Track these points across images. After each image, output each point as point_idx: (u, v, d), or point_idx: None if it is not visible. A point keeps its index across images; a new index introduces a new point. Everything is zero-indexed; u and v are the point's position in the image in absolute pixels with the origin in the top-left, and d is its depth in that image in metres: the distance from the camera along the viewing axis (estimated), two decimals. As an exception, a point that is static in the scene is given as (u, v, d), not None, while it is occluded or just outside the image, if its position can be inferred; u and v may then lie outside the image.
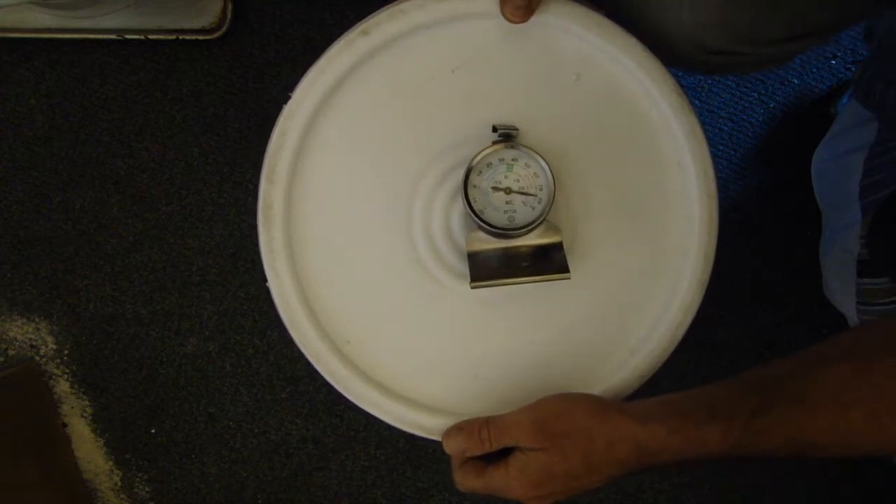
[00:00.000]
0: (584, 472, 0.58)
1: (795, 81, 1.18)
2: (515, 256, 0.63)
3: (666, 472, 1.25)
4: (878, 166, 0.76)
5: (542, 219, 0.61)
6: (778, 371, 0.57)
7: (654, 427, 0.57)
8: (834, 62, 1.18)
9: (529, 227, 0.61)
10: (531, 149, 0.61)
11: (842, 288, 0.89)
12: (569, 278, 0.61)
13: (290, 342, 0.66)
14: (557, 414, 0.59)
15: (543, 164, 0.61)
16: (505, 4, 0.61)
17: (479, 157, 0.61)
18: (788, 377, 0.56)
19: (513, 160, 0.61)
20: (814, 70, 1.18)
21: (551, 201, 0.61)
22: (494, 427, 0.61)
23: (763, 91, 1.19)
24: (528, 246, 0.63)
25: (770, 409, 0.54)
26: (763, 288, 1.22)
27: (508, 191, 0.62)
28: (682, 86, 0.64)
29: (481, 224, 0.61)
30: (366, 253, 0.67)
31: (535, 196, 0.62)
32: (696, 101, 1.18)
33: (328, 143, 0.65)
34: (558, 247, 0.63)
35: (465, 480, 0.63)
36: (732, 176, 1.20)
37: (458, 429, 0.63)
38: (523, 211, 0.62)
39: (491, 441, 0.61)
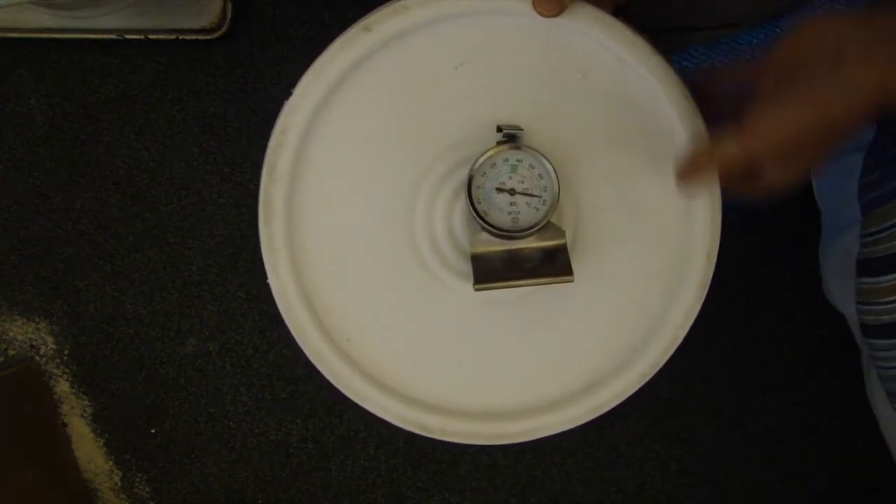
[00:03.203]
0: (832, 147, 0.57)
1: (795, 81, 1.18)
2: (519, 258, 0.62)
3: (666, 472, 1.25)
4: (874, 164, 0.76)
5: (546, 220, 0.61)
6: None
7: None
8: (834, 62, 1.18)
9: (533, 229, 0.61)
10: (536, 150, 0.61)
11: (842, 288, 0.89)
12: (572, 281, 0.60)
13: (290, 342, 0.66)
14: (783, 142, 0.55)
15: (548, 165, 0.60)
16: None
17: (483, 158, 0.60)
18: None
19: (517, 161, 0.61)
20: (814, 70, 1.18)
21: (556, 203, 0.61)
22: (725, 160, 0.58)
23: (763, 91, 1.19)
24: (531, 248, 0.63)
25: None
26: (763, 288, 1.22)
27: (512, 192, 0.61)
28: (689, 88, 0.64)
29: (485, 226, 0.61)
30: (367, 251, 0.66)
31: (540, 197, 0.61)
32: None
33: (329, 141, 0.65)
34: (562, 249, 0.62)
35: (736, 190, 0.64)
36: (732, 176, 1.20)
37: (690, 167, 0.61)
38: (527, 212, 0.61)
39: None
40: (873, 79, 0.51)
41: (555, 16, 0.61)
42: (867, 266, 0.72)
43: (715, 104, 0.65)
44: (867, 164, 0.77)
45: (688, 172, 0.61)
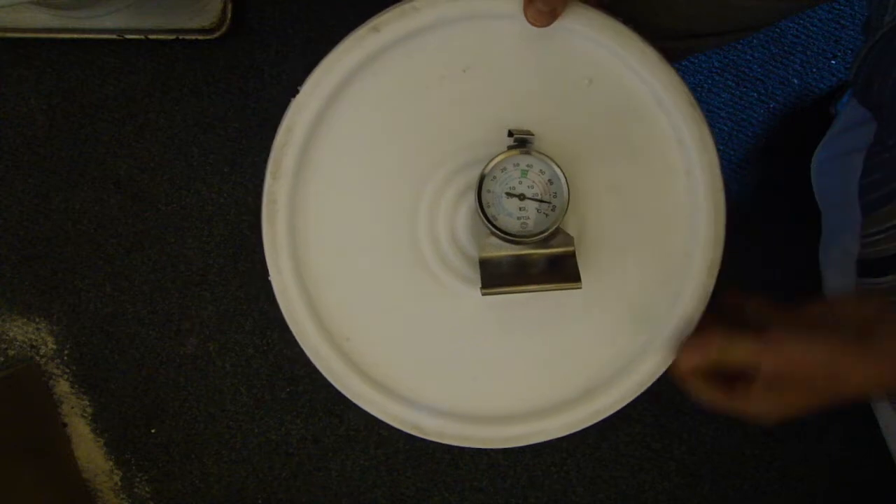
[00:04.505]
0: (828, 403, 0.60)
1: (795, 81, 1.19)
2: (527, 263, 0.62)
3: (666, 472, 1.25)
4: (875, 165, 0.76)
5: (555, 226, 0.61)
6: None
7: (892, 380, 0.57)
8: (834, 62, 1.18)
9: (542, 235, 0.61)
10: (546, 155, 0.60)
11: (842, 288, 0.89)
12: (580, 287, 0.60)
13: (290, 342, 0.67)
14: (798, 364, 0.58)
15: (558, 170, 0.60)
16: (528, 8, 0.60)
17: (493, 162, 0.60)
18: None
19: (528, 166, 0.61)
20: (814, 70, 1.18)
21: (565, 209, 0.60)
22: (735, 352, 0.61)
23: (763, 91, 1.19)
24: (539, 253, 0.62)
25: None
26: (763, 288, 1.22)
27: (522, 197, 0.61)
28: (695, 96, 0.64)
29: (494, 230, 0.61)
30: (369, 251, 0.66)
31: (549, 203, 0.61)
32: (700, 106, 1.18)
33: (335, 140, 0.64)
34: (570, 255, 0.62)
35: (710, 395, 0.65)
36: (732, 176, 1.20)
37: (698, 346, 0.64)
38: (537, 218, 0.61)
39: (727, 361, 0.62)
40: (886, 366, 0.56)
41: (545, 26, 0.61)
42: (867, 267, 0.71)
43: (735, 320, 0.68)
44: (868, 166, 0.77)
45: (691, 345, 0.64)
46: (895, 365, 0.56)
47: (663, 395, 1.23)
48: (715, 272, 0.66)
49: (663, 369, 0.67)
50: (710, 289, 0.66)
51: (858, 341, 0.57)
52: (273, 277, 0.65)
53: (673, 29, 0.80)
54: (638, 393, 0.68)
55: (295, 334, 0.66)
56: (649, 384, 0.68)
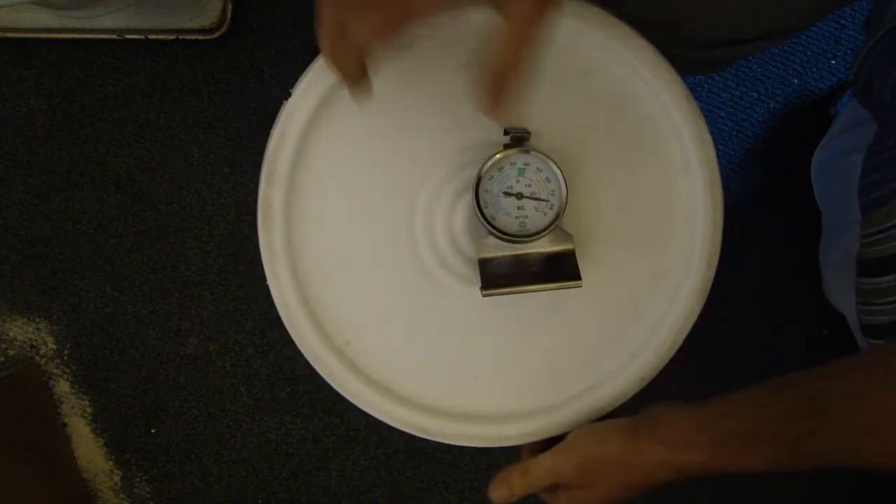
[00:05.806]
0: (626, 495, 0.61)
1: (795, 81, 1.19)
2: (526, 263, 0.62)
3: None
4: (875, 165, 0.75)
5: (554, 224, 0.60)
6: (822, 386, 0.55)
7: (691, 455, 0.58)
8: (834, 62, 1.18)
9: (541, 234, 0.60)
10: (543, 153, 0.60)
11: (842, 288, 0.89)
12: (580, 286, 0.60)
13: (290, 342, 0.66)
14: (593, 456, 0.60)
15: (555, 168, 0.60)
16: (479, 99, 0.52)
17: (490, 162, 0.60)
18: (836, 397, 0.54)
19: (525, 164, 0.60)
20: (814, 70, 1.18)
21: (564, 207, 0.60)
22: (535, 475, 0.63)
23: (763, 91, 1.19)
24: (539, 252, 0.62)
25: (817, 434, 0.53)
26: (763, 288, 1.22)
27: (520, 196, 0.60)
28: (691, 91, 0.63)
29: (492, 230, 0.60)
30: (366, 253, 0.66)
31: (547, 202, 0.60)
32: (696, 101, 1.18)
33: (329, 144, 0.64)
34: (570, 254, 0.62)
35: None
36: (732, 176, 1.20)
37: (500, 481, 0.65)
38: (535, 217, 0.61)
39: (534, 486, 0.63)
40: (666, 446, 0.59)
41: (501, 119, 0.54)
42: (867, 266, 0.71)
43: None
44: (867, 166, 0.77)
45: (496, 482, 0.65)
46: (675, 445, 0.58)
47: (662, 394, 1.23)
48: (714, 264, 0.66)
49: (664, 363, 0.67)
50: (710, 280, 0.66)
51: (645, 428, 0.60)
52: (271, 283, 0.65)
53: (711, 37, 0.79)
54: (640, 388, 0.68)
55: (295, 340, 0.66)
56: (650, 378, 0.68)
